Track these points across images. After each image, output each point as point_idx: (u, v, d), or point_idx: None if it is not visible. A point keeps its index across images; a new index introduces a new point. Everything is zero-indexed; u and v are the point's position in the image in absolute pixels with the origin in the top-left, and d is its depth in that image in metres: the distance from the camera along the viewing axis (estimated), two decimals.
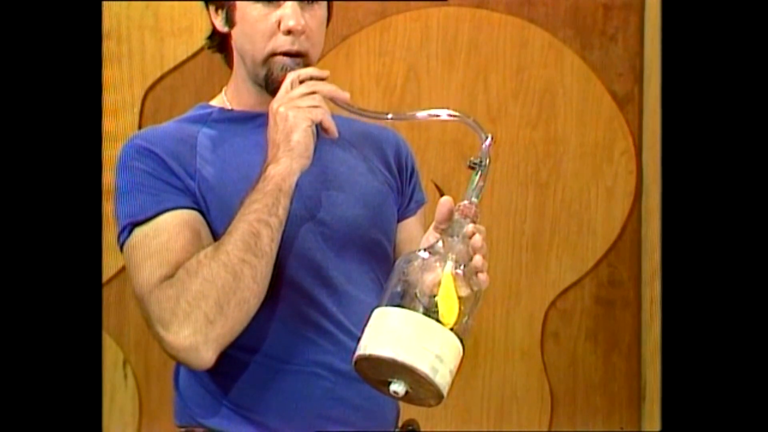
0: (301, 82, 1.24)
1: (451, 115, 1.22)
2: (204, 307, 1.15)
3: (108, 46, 2.14)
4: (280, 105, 1.22)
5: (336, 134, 1.24)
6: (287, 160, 1.19)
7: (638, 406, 2.32)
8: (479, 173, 1.15)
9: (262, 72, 1.29)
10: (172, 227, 1.21)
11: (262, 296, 1.19)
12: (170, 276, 1.17)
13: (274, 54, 1.28)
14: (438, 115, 1.24)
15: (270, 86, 1.29)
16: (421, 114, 1.26)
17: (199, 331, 1.15)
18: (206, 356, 1.16)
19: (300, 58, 1.28)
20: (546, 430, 2.31)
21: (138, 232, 1.22)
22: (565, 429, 2.30)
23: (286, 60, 1.27)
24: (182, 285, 1.16)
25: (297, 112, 1.20)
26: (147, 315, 1.19)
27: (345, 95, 1.24)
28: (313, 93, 1.22)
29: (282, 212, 1.19)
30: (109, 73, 2.14)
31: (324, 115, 1.22)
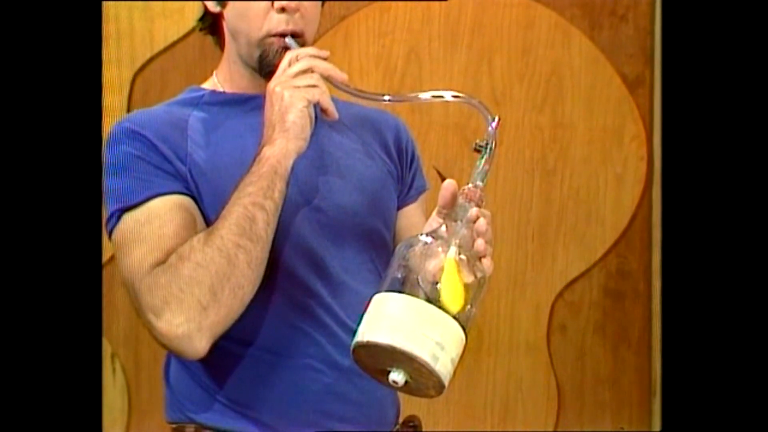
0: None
1: (455, 96, 1.20)
2: (197, 294, 1.13)
3: None
4: (277, 84, 1.21)
5: (335, 115, 1.23)
6: (283, 142, 1.18)
7: (648, 401, 2.32)
8: (485, 157, 1.13)
9: (257, 53, 1.28)
10: (163, 212, 1.20)
11: (257, 282, 1.17)
12: (162, 262, 1.16)
13: (269, 35, 1.26)
14: (442, 96, 1.22)
15: (264, 69, 1.28)
16: (424, 95, 1.23)
17: (192, 319, 1.13)
18: (199, 345, 1.14)
19: (295, 38, 1.26)
20: (552, 426, 2.31)
21: (127, 217, 1.20)
22: (573, 425, 2.31)
23: (282, 42, 1.26)
24: (175, 271, 1.14)
25: (293, 91, 1.19)
26: (138, 303, 1.17)
27: (342, 75, 1.22)
28: (311, 71, 1.21)
29: (278, 195, 1.17)
30: None
31: (322, 95, 1.21)
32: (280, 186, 1.17)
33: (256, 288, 1.17)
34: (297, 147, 1.19)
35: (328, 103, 1.21)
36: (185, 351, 1.15)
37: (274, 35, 1.26)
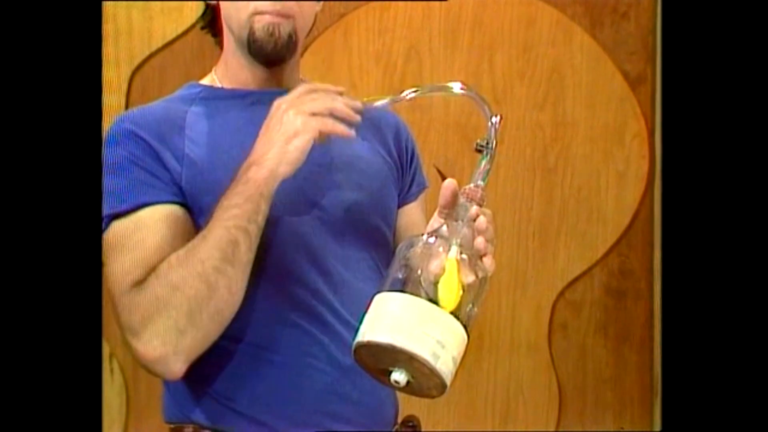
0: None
1: (463, 90, 1.18)
2: (174, 317, 1.13)
3: None
4: (290, 107, 1.18)
5: (352, 134, 1.20)
6: (274, 165, 1.15)
7: (650, 402, 2.31)
8: (486, 156, 1.13)
9: (245, 33, 1.27)
10: (151, 223, 1.19)
11: (237, 306, 1.16)
12: (141, 281, 1.15)
13: (256, 12, 1.26)
14: (450, 89, 1.19)
15: (252, 46, 1.27)
16: (431, 87, 1.24)
17: (168, 342, 1.13)
18: (175, 368, 1.14)
19: (284, 18, 1.25)
20: (554, 426, 2.30)
21: (116, 225, 1.19)
22: (574, 425, 2.30)
23: (267, 18, 1.26)
24: (153, 292, 1.14)
25: (307, 119, 1.16)
26: (117, 319, 1.17)
27: (357, 104, 1.20)
28: (324, 97, 1.19)
29: (261, 218, 1.16)
30: None
31: (334, 126, 1.18)
32: (264, 208, 1.16)
33: (235, 310, 1.16)
34: (286, 172, 1.16)
35: (341, 130, 1.18)
36: (161, 373, 1.15)
37: (261, 12, 1.25)
